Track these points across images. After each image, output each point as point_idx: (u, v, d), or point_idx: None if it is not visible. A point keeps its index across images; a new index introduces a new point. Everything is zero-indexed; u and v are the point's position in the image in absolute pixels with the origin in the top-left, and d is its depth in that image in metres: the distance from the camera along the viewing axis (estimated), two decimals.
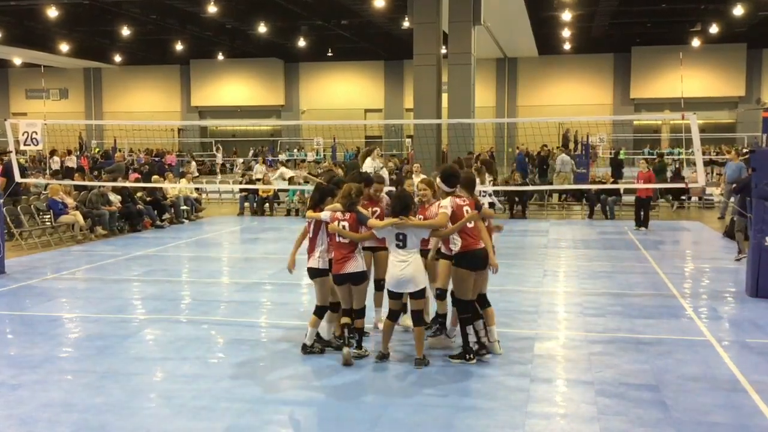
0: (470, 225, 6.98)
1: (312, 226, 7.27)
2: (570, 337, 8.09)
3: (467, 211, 6.96)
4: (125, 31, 38.90)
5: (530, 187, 20.65)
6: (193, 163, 30.24)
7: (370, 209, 7.58)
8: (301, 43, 43.44)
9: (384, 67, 51.29)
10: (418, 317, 7.09)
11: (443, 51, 24.51)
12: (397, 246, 6.88)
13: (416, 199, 7.56)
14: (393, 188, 9.85)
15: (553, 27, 38.64)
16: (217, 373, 6.88)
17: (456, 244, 6.98)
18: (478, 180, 8.54)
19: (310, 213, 7.32)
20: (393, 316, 7.12)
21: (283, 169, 23.01)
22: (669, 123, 45.83)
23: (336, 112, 48.95)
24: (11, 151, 14.94)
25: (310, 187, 11.87)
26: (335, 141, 38.73)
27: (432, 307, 8.01)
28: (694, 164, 13.80)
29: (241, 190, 22.05)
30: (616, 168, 26.27)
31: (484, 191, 11.41)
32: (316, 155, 40.76)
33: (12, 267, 12.34)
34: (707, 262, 13.30)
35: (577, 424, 5.69)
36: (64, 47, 42.77)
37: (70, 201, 16.03)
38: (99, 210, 16.38)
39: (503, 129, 45.69)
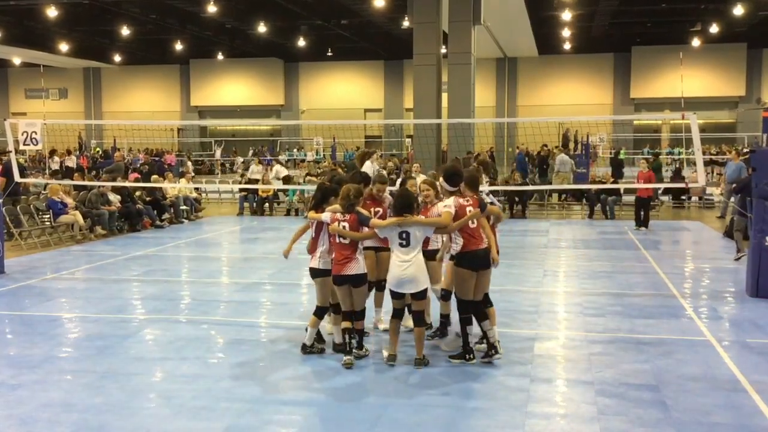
0: (472, 225, 6.96)
1: (314, 227, 7.27)
2: (570, 337, 8.08)
3: (470, 210, 6.95)
4: (125, 31, 38.90)
5: (530, 187, 20.64)
6: (189, 163, 30.07)
7: (372, 209, 7.56)
8: (301, 42, 43.41)
9: (384, 67, 51.29)
10: (418, 318, 7.07)
11: (443, 51, 24.53)
12: (401, 245, 6.84)
13: (419, 199, 7.53)
14: (393, 188, 9.83)
15: (553, 27, 38.65)
16: (217, 373, 6.87)
17: (457, 244, 6.97)
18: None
19: (311, 214, 7.30)
20: (398, 315, 7.10)
21: (278, 167, 22.82)
22: (669, 123, 45.85)
23: (336, 111, 48.92)
24: (11, 151, 14.91)
25: (310, 187, 11.82)
26: (335, 141, 38.73)
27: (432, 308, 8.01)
28: (695, 164, 13.79)
29: (241, 190, 22.01)
30: (617, 168, 26.25)
31: (481, 192, 11.35)
32: (316, 155, 40.78)
33: (11, 267, 12.33)
34: (707, 262, 13.30)
35: (577, 424, 5.68)
36: (63, 47, 42.78)
37: (69, 201, 16.03)
38: (98, 210, 16.37)
39: (503, 129, 45.71)
